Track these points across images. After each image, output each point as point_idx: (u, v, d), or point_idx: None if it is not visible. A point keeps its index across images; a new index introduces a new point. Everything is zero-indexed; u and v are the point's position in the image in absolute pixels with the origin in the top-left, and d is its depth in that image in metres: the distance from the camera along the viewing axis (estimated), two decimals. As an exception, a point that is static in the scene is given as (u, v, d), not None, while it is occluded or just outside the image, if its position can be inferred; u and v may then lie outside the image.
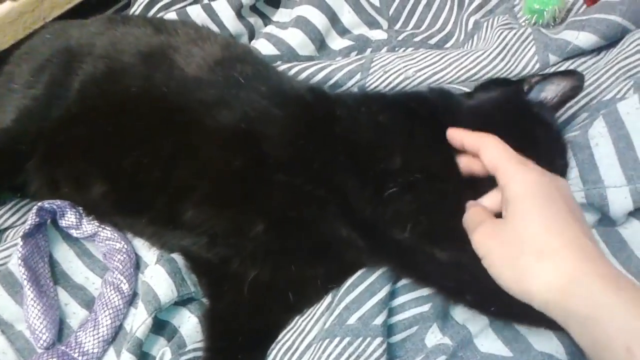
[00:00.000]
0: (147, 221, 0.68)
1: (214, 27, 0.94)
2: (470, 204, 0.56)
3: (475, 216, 0.53)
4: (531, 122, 0.63)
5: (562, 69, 0.78)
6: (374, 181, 0.59)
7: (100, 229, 0.73)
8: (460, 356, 0.56)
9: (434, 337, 0.58)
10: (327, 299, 0.62)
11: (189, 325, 0.66)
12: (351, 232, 0.59)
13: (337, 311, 0.58)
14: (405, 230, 0.57)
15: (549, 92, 0.66)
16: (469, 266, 0.54)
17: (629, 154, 0.59)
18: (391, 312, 0.59)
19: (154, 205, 0.66)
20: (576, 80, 0.66)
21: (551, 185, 0.50)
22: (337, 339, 0.56)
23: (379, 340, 0.56)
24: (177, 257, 0.67)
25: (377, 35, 0.93)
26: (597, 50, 0.78)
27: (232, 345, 0.63)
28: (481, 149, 0.54)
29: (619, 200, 0.58)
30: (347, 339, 0.56)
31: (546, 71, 0.78)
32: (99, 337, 0.65)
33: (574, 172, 0.62)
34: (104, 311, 0.66)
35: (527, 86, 0.66)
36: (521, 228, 0.48)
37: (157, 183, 0.65)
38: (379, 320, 0.57)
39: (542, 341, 0.54)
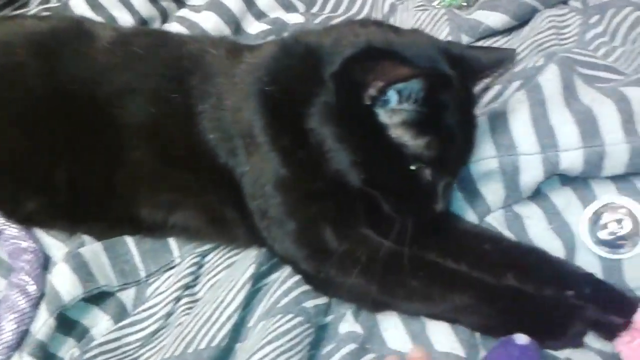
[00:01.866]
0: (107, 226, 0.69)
1: (125, 11, 0.93)
2: None
3: None
4: None
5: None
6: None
7: (5, 226, 0.69)
8: (369, 348, 0.56)
9: (348, 325, 0.58)
10: (250, 269, 0.62)
11: (102, 326, 0.64)
12: None
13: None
14: None
15: None
16: None
17: (543, 121, 0.59)
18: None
19: (109, 213, 0.68)
20: None
21: None
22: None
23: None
24: (84, 250, 0.65)
25: (294, 18, 0.94)
26: (508, 30, 0.81)
27: None
28: None
29: (529, 170, 0.59)
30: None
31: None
32: (2, 344, 0.62)
33: (489, 139, 0.62)
34: (8, 315, 0.63)
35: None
36: None
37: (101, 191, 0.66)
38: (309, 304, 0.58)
39: (442, 341, 0.54)
